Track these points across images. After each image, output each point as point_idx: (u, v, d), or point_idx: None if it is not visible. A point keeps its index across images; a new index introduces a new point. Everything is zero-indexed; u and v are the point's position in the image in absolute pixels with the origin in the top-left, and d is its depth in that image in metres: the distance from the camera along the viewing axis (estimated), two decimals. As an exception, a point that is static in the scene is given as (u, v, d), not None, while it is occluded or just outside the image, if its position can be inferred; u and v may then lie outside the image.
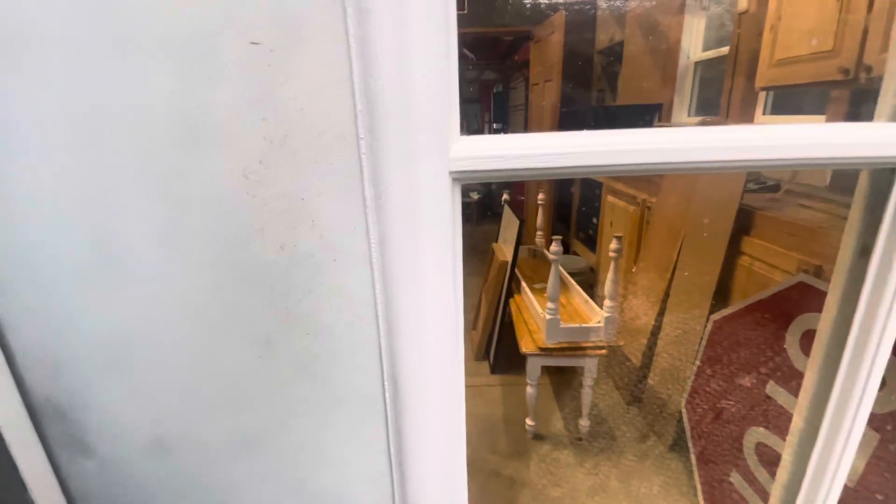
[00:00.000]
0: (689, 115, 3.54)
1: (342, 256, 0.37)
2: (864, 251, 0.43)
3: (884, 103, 0.39)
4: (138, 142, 0.35)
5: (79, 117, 0.34)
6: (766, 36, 1.92)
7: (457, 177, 0.36)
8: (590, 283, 3.17)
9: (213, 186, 0.35)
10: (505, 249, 2.69)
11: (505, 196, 3.03)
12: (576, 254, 3.66)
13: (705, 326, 1.80)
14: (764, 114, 2.52)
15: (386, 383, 0.40)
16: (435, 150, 0.34)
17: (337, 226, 0.36)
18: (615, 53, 3.94)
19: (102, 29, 0.33)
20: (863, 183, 0.43)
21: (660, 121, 3.72)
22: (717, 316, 1.77)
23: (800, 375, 1.40)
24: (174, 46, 0.33)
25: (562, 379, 2.48)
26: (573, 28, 3.79)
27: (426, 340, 0.40)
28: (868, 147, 0.37)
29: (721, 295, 1.82)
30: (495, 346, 2.64)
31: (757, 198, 1.92)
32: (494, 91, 8.63)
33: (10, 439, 0.35)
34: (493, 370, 2.62)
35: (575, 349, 1.89)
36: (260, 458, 0.41)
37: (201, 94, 0.33)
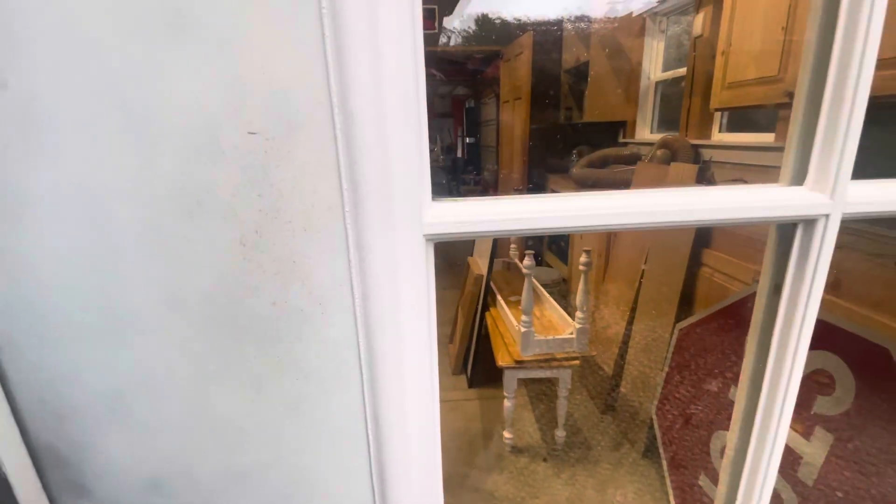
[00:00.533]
0: (651, 132, 3.70)
1: (329, 309, 0.42)
2: (777, 289, 0.49)
3: (785, 168, 0.46)
4: (146, 214, 0.39)
5: (91, 191, 0.38)
6: (719, 60, 2.05)
7: (430, 238, 0.42)
8: (563, 293, 3.25)
9: (213, 252, 0.38)
10: (480, 263, 2.73)
11: (478, 211, 3.08)
12: (548, 265, 3.74)
13: (672, 334, 1.88)
14: (719, 131, 2.67)
15: (368, 420, 0.43)
16: (410, 219, 0.40)
17: (324, 283, 0.41)
18: (581, 73, 4.10)
19: (117, 115, 0.37)
20: (773, 233, 0.49)
21: (624, 136, 3.87)
22: (682, 324, 1.85)
23: (759, 380, 1.48)
24: (181, 133, 0.37)
25: (538, 390, 2.52)
26: (541, 48, 3.94)
27: (404, 381, 0.45)
28: (772, 209, 0.45)
29: (685, 304, 1.91)
30: (472, 359, 2.66)
31: (715, 211, 2.03)
32: (467, 106, 8.79)
33: (14, 483, 0.37)
34: (471, 384, 2.64)
35: (550, 360, 1.94)
36: (251, 494, 0.43)
37: (204, 174, 0.37)
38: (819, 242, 0.44)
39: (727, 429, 1.60)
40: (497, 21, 4.46)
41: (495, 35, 4.47)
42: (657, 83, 3.68)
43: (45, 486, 0.42)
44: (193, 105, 0.36)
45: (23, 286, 0.39)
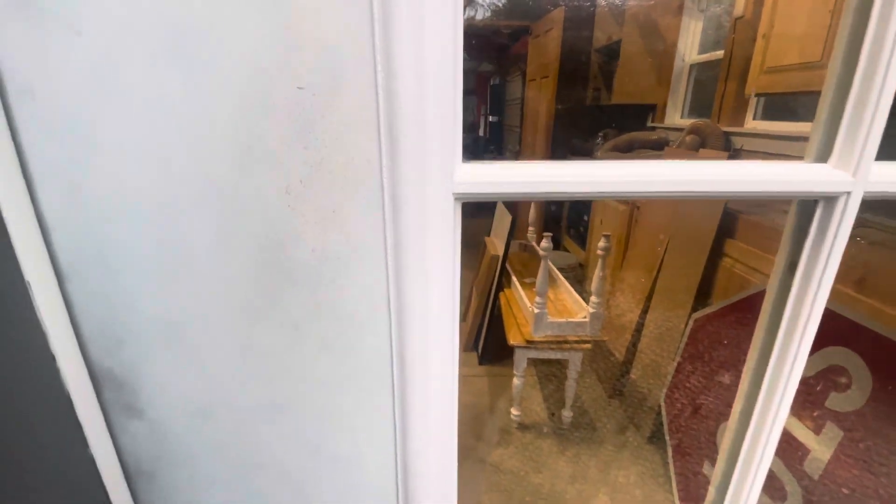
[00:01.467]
0: (682, 117, 3.59)
1: (363, 257, 0.44)
2: (791, 267, 0.49)
3: (811, 146, 0.45)
4: (203, 162, 0.42)
5: (155, 135, 0.41)
6: (759, 43, 1.96)
7: (458, 197, 0.44)
8: (578, 278, 3.24)
9: (260, 200, 0.40)
10: (497, 244, 2.73)
11: (498, 190, 3.06)
12: (566, 250, 3.72)
13: (687, 324, 1.87)
14: (754, 119, 2.58)
15: (395, 361, 0.46)
16: (441, 176, 0.42)
17: (360, 232, 0.44)
18: (612, 52, 3.97)
19: (181, 65, 0.40)
20: (793, 211, 0.48)
21: (653, 121, 3.77)
22: (698, 315, 1.83)
23: (772, 373, 1.46)
24: (236, 86, 0.40)
25: (547, 371, 2.54)
26: (571, 25, 3.81)
27: (428, 327, 0.48)
28: (794, 184, 0.45)
29: (703, 295, 1.89)
30: (484, 337, 2.69)
31: (742, 201, 1.98)
32: (491, 83, 8.60)
33: (76, 401, 0.41)
34: (481, 361, 2.68)
35: (561, 342, 1.95)
36: (285, 424, 0.47)
37: (255, 125, 0.38)
38: (838, 220, 0.44)
39: (736, 420, 1.59)
40: (528, -5, 4.33)
41: (525, 9, 4.34)
42: (691, 66, 3.55)
43: (102, 406, 0.46)
44: (249, 58, 0.39)
45: (91, 220, 0.43)
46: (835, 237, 0.45)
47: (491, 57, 7.53)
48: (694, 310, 1.88)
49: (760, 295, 1.56)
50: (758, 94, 2.43)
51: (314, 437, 0.49)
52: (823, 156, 0.45)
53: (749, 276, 1.70)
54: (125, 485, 0.45)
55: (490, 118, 8.45)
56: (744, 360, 1.60)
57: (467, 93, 9.81)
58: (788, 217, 0.50)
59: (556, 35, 3.53)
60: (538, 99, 4.01)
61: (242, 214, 0.42)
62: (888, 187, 0.44)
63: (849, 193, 0.44)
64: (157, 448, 0.47)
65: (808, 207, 0.47)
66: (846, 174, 0.43)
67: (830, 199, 0.45)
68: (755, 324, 1.56)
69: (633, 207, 2.65)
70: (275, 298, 0.44)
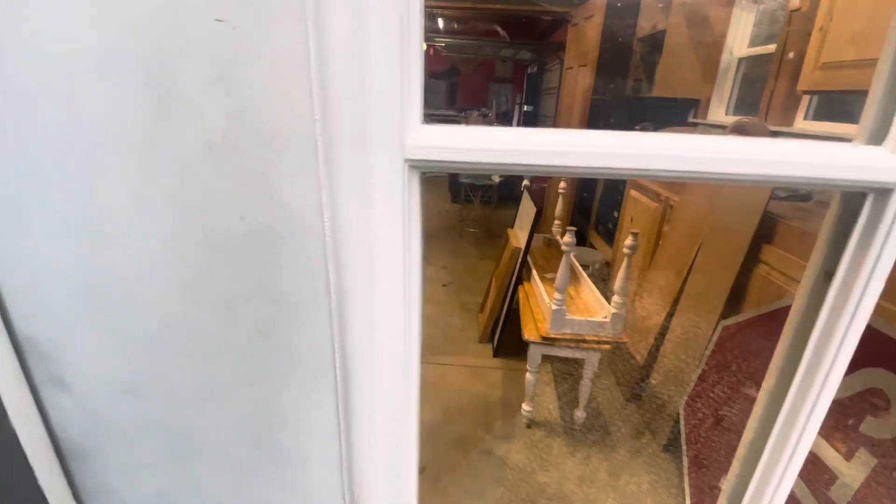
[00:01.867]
0: (726, 114, 3.41)
1: (298, 230, 0.39)
2: (827, 276, 0.42)
3: (864, 124, 0.37)
4: (116, 109, 0.37)
5: (66, 77, 0.37)
6: (815, 36, 1.82)
7: (414, 164, 0.37)
8: (604, 276, 3.15)
9: (180, 156, 0.37)
10: (519, 235, 2.67)
11: (525, 182, 2.99)
12: (593, 246, 3.62)
13: (715, 331, 1.78)
14: (805, 118, 2.41)
15: (336, 354, 0.42)
16: (388, 139, 0.35)
17: (294, 201, 0.38)
18: (656, 42, 3.79)
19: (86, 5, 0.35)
20: (834, 206, 0.42)
21: (695, 117, 3.59)
22: (728, 322, 1.74)
23: (803, 391, 1.37)
24: (148, 15, 0.34)
25: (563, 369, 2.49)
26: (614, 12, 3.66)
27: (374, 318, 0.42)
28: (839, 168, 0.36)
29: (734, 302, 1.79)
30: (500, 330, 2.65)
31: (785, 206, 1.86)
32: (528, 72, 8.42)
33: None
34: (496, 353, 2.65)
35: (578, 341, 1.89)
36: (223, 410, 0.44)
37: (169, 66, 0.35)
38: (891, 219, 0.36)
39: (759, 436, 1.52)
40: (571, -20, 4.17)
41: (567, -5, 4.19)
42: (740, 60, 3.36)
43: (27, 376, 0.43)
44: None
45: (5, 177, 0.40)
46: (885, 239, 0.37)
47: (529, 45, 7.34)
48: (723, 317, 1.78)
49: (796, 306, 1.46)
50: (810, 92, 2.27)
51: (255, 427, 0.45)
52: (878, 137, 0.36)
53: (786, 285, 1.60)
54: (57, 463, 0.42)
55: (525, 107, 8.29)
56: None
57: (504, 80, 9.66)
58: (828, 214, 0.42)
59: (597, 22, 3.39)
60: (574, 88, 3.88)
61: (161, 171, 0.37)
62: None
63: None
64: (88, 426, 0.45)
65: (853, 201, 0.38)
66: None
67: (883, 192, 0.36)
68: (788, 337, 1.46)
69: (666, 206, 2.54)
70: (202, 270, 0.40)
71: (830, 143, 0.36)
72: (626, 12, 3.92)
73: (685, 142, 0.36)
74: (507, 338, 2.63)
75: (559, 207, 2.98)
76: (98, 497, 0.45)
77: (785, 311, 1.48)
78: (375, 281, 0.39)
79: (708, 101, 3.47)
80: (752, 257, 1.74)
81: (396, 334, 0.42)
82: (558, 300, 1.86)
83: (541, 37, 7.28)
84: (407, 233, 0.38)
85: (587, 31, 3.65)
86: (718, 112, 3.45)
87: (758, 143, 0.36)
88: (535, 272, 2.40)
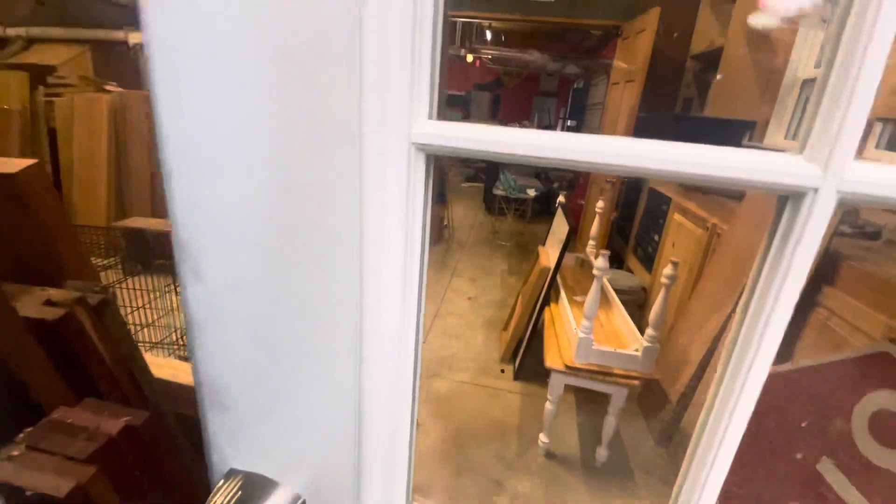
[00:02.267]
0: (785, 138, 3.17)
1: (343, 187, 0.45)
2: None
3: (799, 135, 0.39)
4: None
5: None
6: (892, 58, 1.63)
7: (420, 147, 0.44)
8: (639, 303, 2.96)
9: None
10: (550, 254, 2.55)
11: (561, 198, 2.86)
12: (630, 271, 3.42)
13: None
14: (876, 148, 2.18)
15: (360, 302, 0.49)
16: (398, 125, 0.43)
17: (341, 164, 0.44)
18: (711, 59, 3.59)
19: None
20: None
21: (750, 139, 3.36)
22: (776, 369, 1.56)
23: (862, 460, 1.19)
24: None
25: (586, 401, 2.33)
26: (668, 27, 3.49)
27: (381, 255, 0.48)
28: (762, 172, 0.38)
29: (785, 347, 1.61)
30: (523, 352, 2.53)
31: (849, 244, 1.66)
32: (574, 87, 8.26)
33: None
34: (517, 376, 2.52)
35: (605, 374, 1.75)
36: (289, 308, 0.50)
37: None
38: (803, 222, 0.39)
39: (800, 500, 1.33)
40: (624, -7, 4.03)
41: (617, 8, 4.05)
42: (804, 81, 3.12)
43: (180, 271, 0.50)
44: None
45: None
46: (797, 242, 0.39)
47: (577, 59, 7.19)
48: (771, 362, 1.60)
49: (861, 360, 1.28)
50: (884, 119, 2.06)
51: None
52: (804, 146, 0.39)
53: (848, 334, 1.41)
54: (192, 334, 0.52)
55: (568, 122, 8.12)
56: (822, 435, 1.33)
57: (548, 94, 9.54)
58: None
59: (648, 36, 3.24)
60: (620, 104, 3.72)
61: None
62: (869, 189, 0.37)
63: (816, 190, 0.38)
64: (209, 308, 0.52)
65: (781, 207, 0.41)
66: (817, 168, 0.37)
67: (797, 196, 0.39)
68: (849, 393, 1.28)
69: (713, 233, 2.35)
70: (286, 214, 0.47)
71: (762, 151, 0.39)
72: (679, 27, 3.74)
73: (633, 143, 0.40)
74: (529, 360, 2.50)
75: (595, 227, 2.83)
76: (203, 361, 0.54)
77: (844, 364, 1.30)
78: (383, 228, 0.47)
79: (766, 123, 3.24)
80: (808, 299, 1.56)
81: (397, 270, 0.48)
82: (586, 328, 1.73)
83: (589, 52, 7.12)
84: (411, 198, 0.46)
85: (637, 46, 3.49)
86: (776, 136, 3.21)
87: (693, 146, 0.39)
88: (563, 294, 2.27)
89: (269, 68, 0.41)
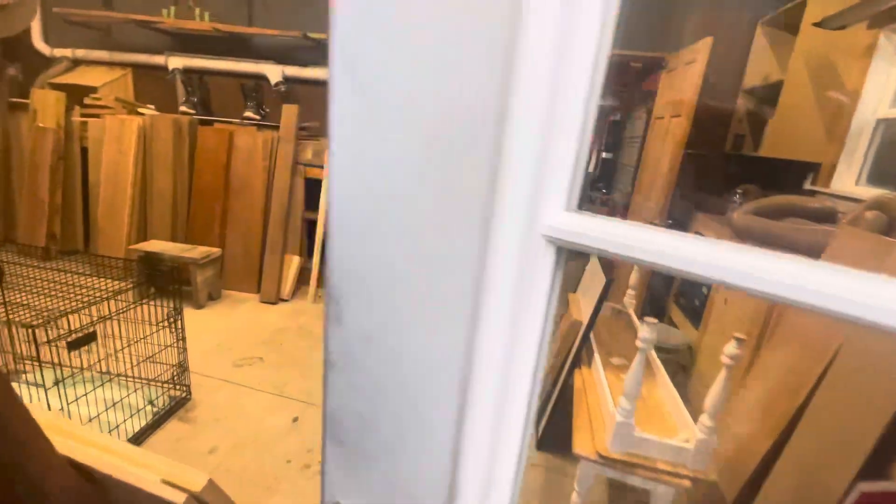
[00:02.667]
0: (857, 184, 2.82)
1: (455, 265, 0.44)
2: None
3: None
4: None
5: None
6: None
7: (551, 241, 0.41)
8: (684, 364, 2.61)
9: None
10: (582, 305, 2.26)
11: (596, 242, 2.58)
12: (673, 324, 3.07)
13: (847, 494, 1.26)
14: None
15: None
16: (527, 216, 0.41)
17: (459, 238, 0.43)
18: (767, 95, 3.29)
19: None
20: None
21: (813, 183, 3.02)
22: (868, 487, 1.22)
23: None
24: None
25: (622, 492, 1.99)
26: (719, 59, 3.22)
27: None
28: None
29: (882, 457, 1.27)
30: (548, 416, 2.22)
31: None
32: (612, 119, 8.01)
33: None
34: (540, 445, 2.21)
35: (647, 468, 1.44)
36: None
37: None
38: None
39: None
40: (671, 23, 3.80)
41: (664, 38, 3.81)
42: (879, 122, 2.79)
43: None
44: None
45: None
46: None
47: (616, 91, 6.96)
48: (863, 475, 1.27)
49: None
50: None
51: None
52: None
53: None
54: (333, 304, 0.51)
55: (604, 154, 7.85)
56: None
57: (583, 125, 9.31)
58: None
59: (698, 69, 2.97)
60: (663, 139, 3.44)
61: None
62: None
63: None
64: (342, 277, 0.50)
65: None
66: None
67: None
68: None
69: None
70: (436, 223, 0.44)
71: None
72: (733, 58, 3.46)
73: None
74: (554, 428, 2.19)
75: (634, 276, 2.54)
76: (330, 396, 0.55)
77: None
78: (500, 320, 0.44)
79: (832, 166, 2.90)
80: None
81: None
82: (625, 410, 1.43)
83: (629, 84, 6.89)
84: (532, 298, 0.43)
85: (685, 78, 3.23)
86: (847, 181, 2.86)
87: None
88: (597, 356, 1.97)
89: (419, 140, 0.40)
